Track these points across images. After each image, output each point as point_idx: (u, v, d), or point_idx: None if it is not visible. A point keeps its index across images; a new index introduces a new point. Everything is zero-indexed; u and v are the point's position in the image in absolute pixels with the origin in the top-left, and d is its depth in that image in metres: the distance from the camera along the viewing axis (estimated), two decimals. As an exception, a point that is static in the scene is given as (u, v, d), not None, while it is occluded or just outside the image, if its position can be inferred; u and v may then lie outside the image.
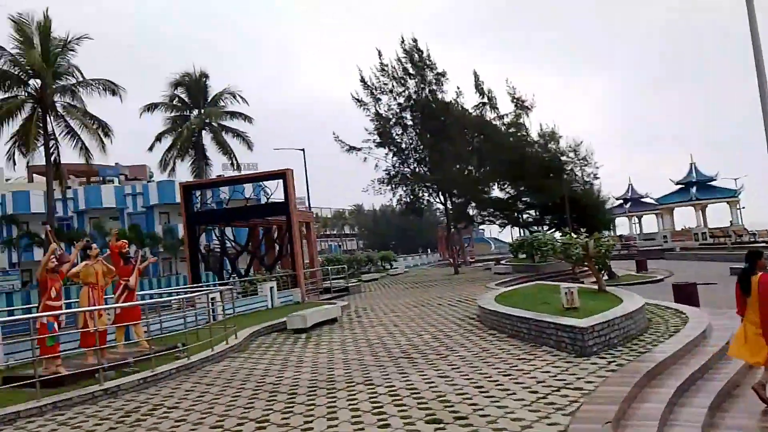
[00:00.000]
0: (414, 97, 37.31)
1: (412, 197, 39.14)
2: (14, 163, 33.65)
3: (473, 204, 40.79)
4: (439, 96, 37.55)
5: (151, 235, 46.99)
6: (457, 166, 36.32)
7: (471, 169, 38.42)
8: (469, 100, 38.38)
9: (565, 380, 7.32)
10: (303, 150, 39.71)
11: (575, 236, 17.10)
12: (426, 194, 39.08)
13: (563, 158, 38.01)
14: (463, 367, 8.60)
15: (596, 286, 14.36)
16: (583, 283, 19.74)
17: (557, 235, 30.06)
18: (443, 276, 37.49)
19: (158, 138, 43.64)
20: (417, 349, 10.63)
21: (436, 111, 36.96)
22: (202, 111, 43.58)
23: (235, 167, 44.74)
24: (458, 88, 38.80)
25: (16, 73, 32.28)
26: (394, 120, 37.89)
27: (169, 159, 43.42)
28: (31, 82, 33.04)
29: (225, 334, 12.07)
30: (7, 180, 60.56)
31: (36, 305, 14.22)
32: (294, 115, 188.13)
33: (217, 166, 47.03)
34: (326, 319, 15.85)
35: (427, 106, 37.08)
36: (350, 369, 9.23)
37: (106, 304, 10.94)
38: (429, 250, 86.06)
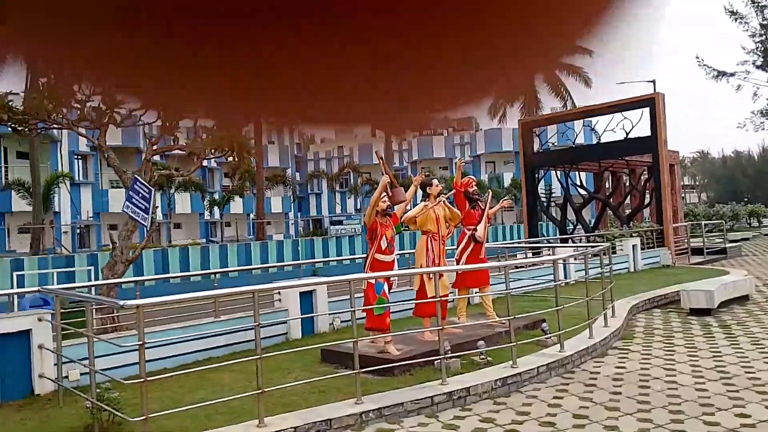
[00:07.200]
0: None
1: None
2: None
3: None
4: None
5: (478, 183, 45.92)
6: None
7: None
8: None
9: None
10: (653, 81, 32.88)
11: None
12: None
13: None
14: None
15: None
16: None
17: None
18: None
19: (488, 83, 41.56)
20: None
21: None
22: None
23: (568, 110, 40.20)
24: None
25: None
26: (789, 31, 28.62)
27: (499, 105, 41.04)
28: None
29: (603, 312, 8.38)
30: (355, 136, 66.93)
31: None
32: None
33: (547, 110, 43.07)
34: (734, 297, 10.99)
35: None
36: None
37: (447, 259, 8.22)
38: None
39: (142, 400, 4.34)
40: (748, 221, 45.29)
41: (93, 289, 11.16)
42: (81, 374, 6.05)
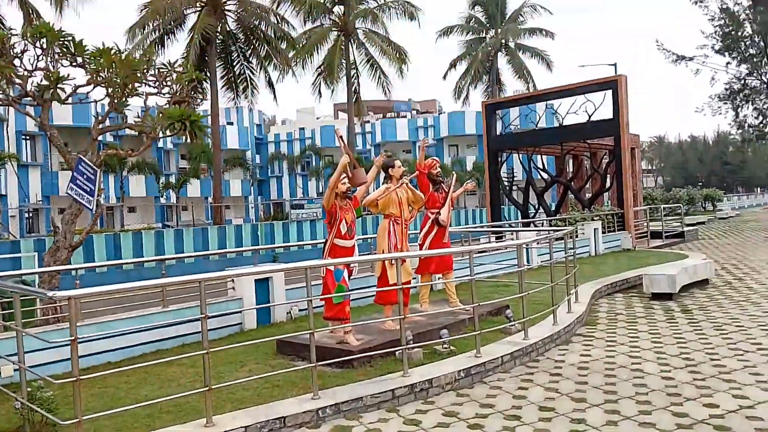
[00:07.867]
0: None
1: (762, 117, 30.12)
2: (320, 95, 34.45)
3: None
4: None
5: (442, 166, 45.84)
6: None
7: None
8: None
9: None
10: (615, 65, 33.14)
11: None
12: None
13: None
14: None
15: None
16: None
17: None
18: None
19: (452, 65, 41.35)
20: None
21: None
22: (499, 30, 39.71)
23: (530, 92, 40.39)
24: None
25: (322, 1, 32.39)
26: (744, 16, 29.02)
27: (463, 86, 40.98)
28: (336, 9, 33.10)
29: (567, 297, 8.25)
30: (317, 118, 66.17)
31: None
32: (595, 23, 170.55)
33: (510, 92, 43.20)
34: (694, 281, 11.04)
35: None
36: None
37: (410, 244, 7.93)
38: (759, 189, 71.09)
39: (75, 400, 3.93)
40: (703, 205, 46.54)
41: (37, 276, 10.52)
42: (14, 371, 5.57)
